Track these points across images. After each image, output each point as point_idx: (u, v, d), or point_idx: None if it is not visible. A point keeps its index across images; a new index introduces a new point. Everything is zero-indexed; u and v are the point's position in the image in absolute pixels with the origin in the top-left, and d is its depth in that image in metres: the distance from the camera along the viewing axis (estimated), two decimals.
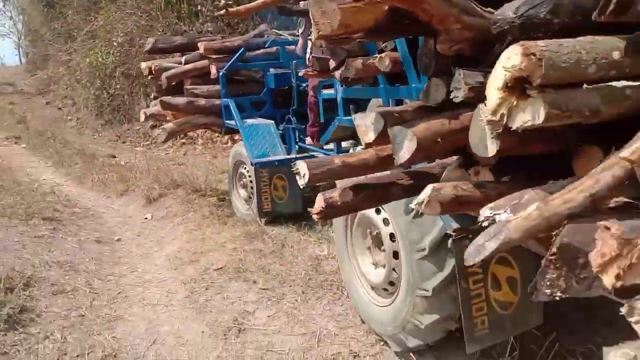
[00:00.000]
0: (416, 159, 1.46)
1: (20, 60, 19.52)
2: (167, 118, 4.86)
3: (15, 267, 3.48)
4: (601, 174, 1.00)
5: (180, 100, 4.63)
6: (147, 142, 10.11)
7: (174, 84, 4.76)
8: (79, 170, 7.79)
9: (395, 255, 2.43)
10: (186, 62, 4.75)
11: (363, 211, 2.55)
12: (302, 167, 1.60)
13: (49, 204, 5.37)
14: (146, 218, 5.27)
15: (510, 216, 1.05)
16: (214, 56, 4.66)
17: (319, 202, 1.65)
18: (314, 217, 1.67)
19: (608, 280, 0.91)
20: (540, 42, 1.05)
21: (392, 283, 2.53)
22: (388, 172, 1.70)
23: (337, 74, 2.34)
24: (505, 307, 2.15)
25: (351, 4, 1.35)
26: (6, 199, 5.15)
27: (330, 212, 1.67)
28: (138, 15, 10.75)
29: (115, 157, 8.81)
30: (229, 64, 4.56)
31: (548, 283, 0.99)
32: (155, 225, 5.03)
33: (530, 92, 1.06)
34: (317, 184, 1.81)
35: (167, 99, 4.57)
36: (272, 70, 4.65)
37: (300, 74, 3.37)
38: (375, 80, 2.51)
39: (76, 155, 8.81)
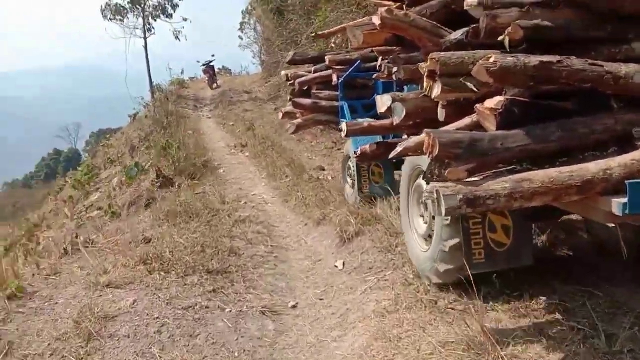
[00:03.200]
0: (407, 121, 2.46)
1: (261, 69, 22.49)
2: (297, 116, 6.17)
3: None
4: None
5: (307, 101, 5.90)
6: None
7: (304, 88, 6.06)
8: (288, 184, 7.33)
9: (433, 217, 3.32)
10: (315, 72, 6.02)
11: (419, 181, 3.49)
12: (343, 125, 2.68)
13: (233, 239, 4.76)
14: (336, 266, 4.18)
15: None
16: (337, 67, 5.87)
17: (359, 151, 2.71)
18: (355, 158, 2.73)
19: None
20: (442, 53, 2.01)
21: (430, 236, 3.41)
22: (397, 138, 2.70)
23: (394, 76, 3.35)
24: (500, 246, 2.94)
25: (369, 30, 2.41)
26: (188, 235, 4.74)
27: (364, 157, 2.72)
28: (354, 12, 10.09)
29: (324, 169, 8.29)
30: (347, 73, 5.73)
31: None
32: (345, 283, 3.85)
33: (436, 78, 2.03)
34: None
35: (298, 100, 5.88)
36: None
37: (374, 77, 4.34)
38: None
39: (288, 166, 8.30)
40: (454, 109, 2.19)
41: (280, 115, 6.72)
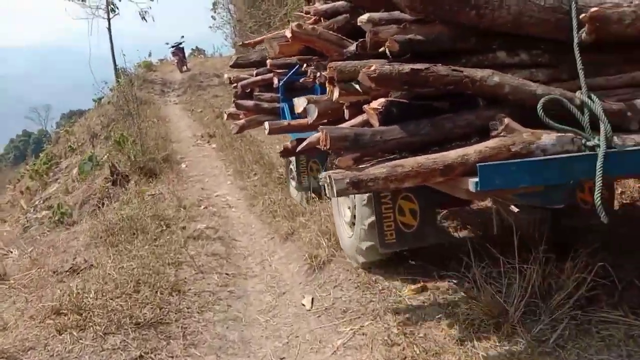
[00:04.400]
0: (319, 120, 2.83)
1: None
2: (240, 116, 6.48)
3: None
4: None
5: (249, 103, 6.22)
6: None
7: (247, 91, 6.37)
8: (256, 183, 6.86)
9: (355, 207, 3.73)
10: (257, 75, 6.35)
11: None
12: (266, 124, 3.04)
13: (180, 267, 4.08)
14: (303, 305, 3.50)
15: None
16: (277, 70, 6.21)
17: (284, 147, 3.07)
18: (279, 153, 3.09)
19: None
20: (339, 62, 2.39)
21: (354, 223, 3.81)
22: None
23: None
24: (408, 227, 3.37)
25: (283, 42, 2.76)
26: (126, 261, 3.94)
27: (286, 153, 3.08)
28: None
29: None
30: (287, 76, 6.08)
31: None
32: (313, 332, 3.11)
33: (335, 83, 2.40)
34: None
35: (241, 101, 6.19)
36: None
37: (301, 80, 4.66)
38: None
39: (256, 163, 7.82)
40: (356, 109, 2.57)
41: (225, 116, 7.01)
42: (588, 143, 2.11)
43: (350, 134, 2.10)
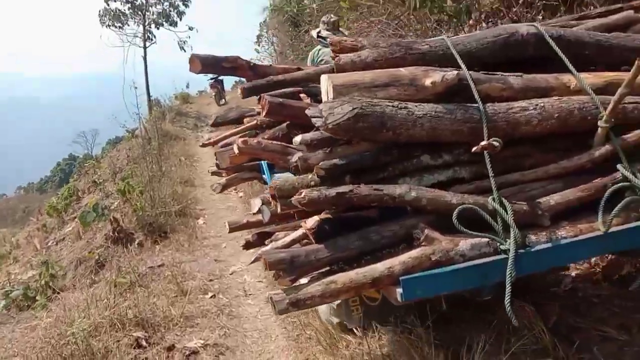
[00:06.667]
0: (271, 221, 3.08)
1: None
2: (223, 175, 6.75)
3: None
4: None
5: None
6: None
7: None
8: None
9: None
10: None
11: None
12: (226, 223, 3.29)
13: None
14: None
15: None
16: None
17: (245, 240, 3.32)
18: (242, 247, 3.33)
19: None
20: (277, 180, 2.64)
21: None
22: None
23: None
24: (372, 301, 3.60)
25: (233, 155, 3.03)
26: None
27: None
28: (384, 22, 8.54)
29: None
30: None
31: None
32: None
33: (276, 199, 2.65)
34: None
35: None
36: None
37: None
38: None
39: None
40: (304, 214, 2.82)
41: (210, 174, 7.26)
42: (501, 247, 2.34)
43: (286, 257, 2.34)
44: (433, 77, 2.50)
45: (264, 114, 2.84)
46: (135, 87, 9.85)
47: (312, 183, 2.55)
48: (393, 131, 2.44)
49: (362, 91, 2.49)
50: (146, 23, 24.85)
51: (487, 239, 2.36)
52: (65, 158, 54.05)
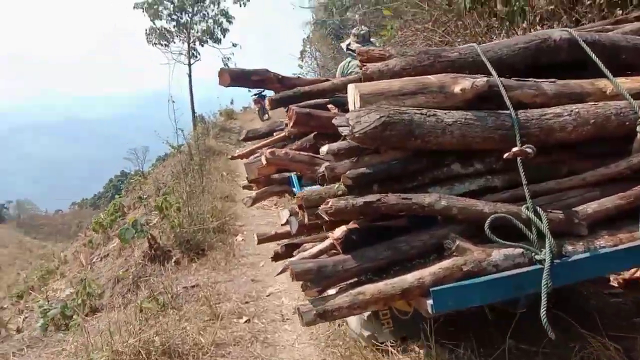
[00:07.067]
0: (299, 232, 3.06)
1: None
2: (253, 188, 6.78)
3: None
4: None
5: None
6: None
7: None
8: None
9: None
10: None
11: None
12: (255, 236, 3.29)
13: None
14: None
15: None
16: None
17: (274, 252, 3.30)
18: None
19: None
20: (305, 191, 2.62)
21: None
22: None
23: None
24: (404, 314, 3.52)
25: (261, 166, 3.03)
26: None
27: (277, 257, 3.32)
28: (429, 30, 8.22)
29: None
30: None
31: None
32: None
33: (304, 209, 2.64)
34: None
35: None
36: None
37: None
38: None
39: None
40: (333, 224, 2.79)
41: (242, 188, 7.31)
42: (536, 257, 2.25)
43: (313, 267, 2.31)
44: (462, 84, 2.45)
45: (291, 124, 2.84)
46: (173, 101, 9.88)
47: (340, 193, 2.53)
48: (422, 139, 2.40)
49: (390, 99, 2.46)
50: (191, 41, 25.33)
51: (521, 249, 2.28)
52: (117, 175, 55.51)
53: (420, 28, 8.45)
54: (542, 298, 2.14)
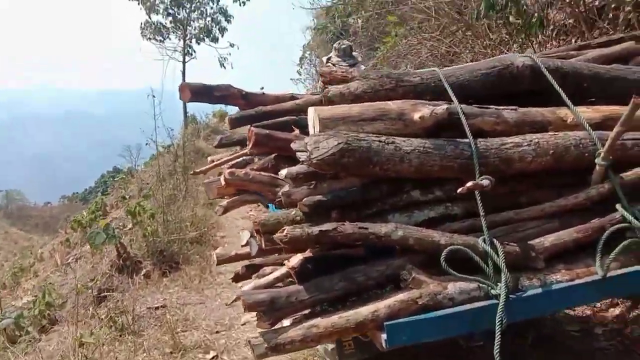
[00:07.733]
0: (259, 254, 2.99)
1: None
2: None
3: None
4: None
5: None
6: None
7: None
8: None
9: None
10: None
11: None
12: (214, 255, 3.20)
13: None
14: None
15: None
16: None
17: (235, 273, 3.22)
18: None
19: None
20: (262, 216, 2.55)
21: None
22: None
23: None
24: (365, 335, 3.47)
25: (220, 186, 2.95)
26: None
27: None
28: (436, 39, 7.92)
29: None
30: None
31: None
32: None
33: (260, 234, 2.56)
34: None
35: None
36: None
37: None
38: None
39: None
40: (290, 249, 2.73)
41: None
42: (492, 291, 2.22)
43: (266, 299, 2.24)
44: (422, 111, 2.41)
45: (250, 145, 2.77)
46: (154, 96, 9.27)
47: (298, 218, 2.47)
48: (380, 167, 2.35)
49: (349, 125, 2.42)
50: (187, 37, 24.70)
51: (477, 283, 2.25)
52: (109, 170, 54.35)
53: (427, 37, 8.09)
54: (497, 334, 2.10)
